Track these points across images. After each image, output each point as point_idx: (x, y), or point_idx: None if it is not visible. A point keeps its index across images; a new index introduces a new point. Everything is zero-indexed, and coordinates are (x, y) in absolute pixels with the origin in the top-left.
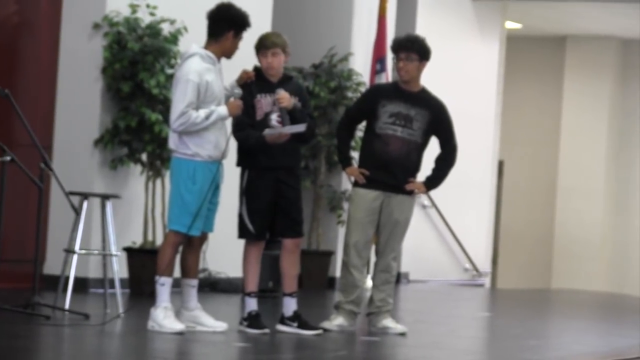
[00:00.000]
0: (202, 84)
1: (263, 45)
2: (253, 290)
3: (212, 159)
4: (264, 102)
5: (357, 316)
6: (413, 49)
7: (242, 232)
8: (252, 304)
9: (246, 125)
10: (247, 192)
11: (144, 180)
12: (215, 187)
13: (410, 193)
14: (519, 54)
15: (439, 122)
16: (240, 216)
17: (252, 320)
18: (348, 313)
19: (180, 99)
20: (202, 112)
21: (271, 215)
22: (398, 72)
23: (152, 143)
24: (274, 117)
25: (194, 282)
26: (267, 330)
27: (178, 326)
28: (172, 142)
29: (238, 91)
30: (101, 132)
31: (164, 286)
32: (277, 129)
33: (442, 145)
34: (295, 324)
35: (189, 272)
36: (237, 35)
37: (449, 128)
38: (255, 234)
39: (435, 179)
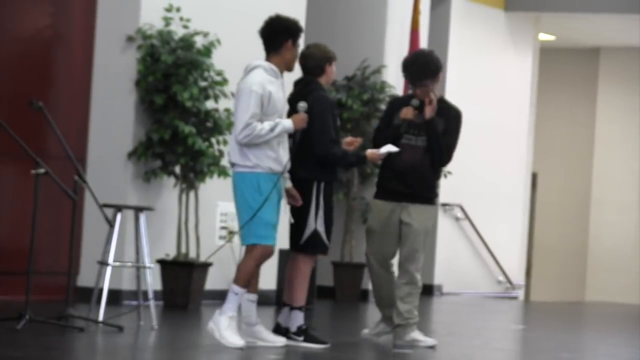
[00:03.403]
0: (265, 95)
1: (333, 57)
2: (304, 304)
3: (273, 172)
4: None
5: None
6: (425, 77)
7: (318, 247)
8: (300, 318)
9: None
10: (326, 207)
11: (177, 192)
12: (278, 200)
13: (429, 203)
14: (552, 65)
15: (449, 128)
16: (316, 231)
17: (306, 334)
18: (388, 318)
19: (244, 110)
20: (267, 124)
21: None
22: (415, 94)
23: (185, 155)
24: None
25: (254, 296)
26: (328, 345)
27: (239, 342)
28: (233, 156)
29: (303, 104)
30: (135, 144)
31: (237, 296)
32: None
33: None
34: (301, 338)
35: (249, 286)
36: (295, 43)
37: (454, 134)
38: (328, 248)
39: (434, 133)
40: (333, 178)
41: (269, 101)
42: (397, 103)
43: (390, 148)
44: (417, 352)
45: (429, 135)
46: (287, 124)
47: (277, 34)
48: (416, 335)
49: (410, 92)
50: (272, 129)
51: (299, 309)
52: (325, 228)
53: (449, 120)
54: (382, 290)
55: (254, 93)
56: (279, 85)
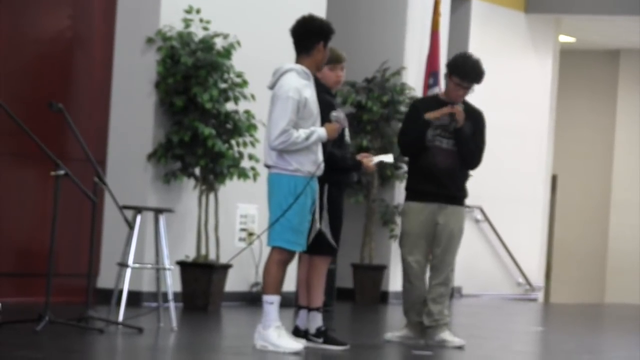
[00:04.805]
0: (302, 101)
1: (336, 59)
2: (321, 305)
3: (311, 175)
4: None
5: (423, 327)
6: (477, 81)
7: (324, 247)
8: (319, 319)
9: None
10: (330, 208)
11: (197, 194)
12: (312, 203)
13: (461, 204)
14: (572, 67)
15: (477, 130)
16: (320, 232)
17: (325, 335)
18: (414, 325)
19: (281, 116)
20: (303, 133)
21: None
22: (450, 93)
23: (205, 157)
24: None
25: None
26: (348, 346)
27: (298, 345)
28: (270, 158)
29: (336, 114)
30: (154, 146)
31: (272, 305)
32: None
33: None
34: (321, 340)
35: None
36: (326, 45)
37: (482, 136)
38: (337, 249)
39: (466, 137)
40: (339, 180)
41: (305, 106)
42: (423, 105)
43: (384, 158)
44: (438, 353)
45: (460, 140)
46: (322, 133)
47: (311, 35)
48: (445, 335)
49: (436, 92)
50: (307, 138)
51: (317, 309)
52: (332, 229)
53: (476, 123)
54: (416, 295)
55: (291, 99)
56: (312, 87)
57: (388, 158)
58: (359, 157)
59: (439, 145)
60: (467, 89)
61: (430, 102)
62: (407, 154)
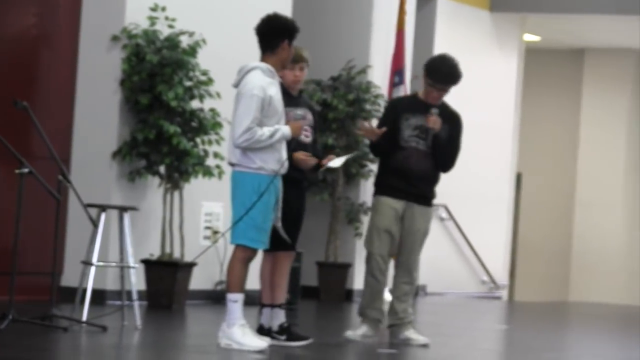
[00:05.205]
0: (266, 99)
1: (294, 59)
2: (284, 302)
3: (275, 173)
4: (292, 115)
5: (381, 325)
6: (452, 83)
7: (281, 244)
8: (282, 316)
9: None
10: (287, 206)
11: (162, 192)
12: (276, 201)
13: (430, 205)
14: (537, 66)
15: (454, 134)
16: (275, 228)
17: (289, 332)
18: (373, 321)
19: (246, 114)
20: (267, 131)
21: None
22: (427, 96)
23: (170, 155)
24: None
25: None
26: (312, 340)
27: (262, 343)
28: (234, 156)
29: (301, 112)
30: (119, 144)
31: (236, 303)
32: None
33: None
34: (283, 337)
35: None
36: (291, 43)
37: (457, 140)
38: (292, 244)
39: (442, 144)
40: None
41: (270, 104)
42: (400, 105)
43: (336, 162)
44: (404, 352)
45: (436, 145)
46: (286, 131)
47: (276, 33)
48: (410, 333)
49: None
50: (271, 135)
51: (279, 306)
52: (290, 226)
53: (453, 127)
54: (378, 290)
55: (256, 97)
56: (277, 85)
57: (335, 163)
58: (324, 161)
59: (415, 147)
60: (441, 91)
61: (408, 101)
62: (378, 156)
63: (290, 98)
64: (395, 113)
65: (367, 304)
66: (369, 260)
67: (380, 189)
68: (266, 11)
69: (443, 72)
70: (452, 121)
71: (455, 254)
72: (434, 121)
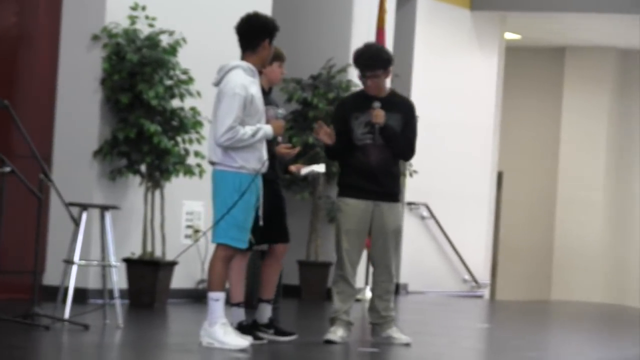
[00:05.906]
0: (248, 97)
1: (279, 57)
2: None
3: (256, 172)
4: (271, 113)
5: (352, 327)
6: (377, 66)
7: (284, 236)
8: (269, 311)
9: None
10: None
11: (143, 191)
12: (257, 200)
13: (397, 200)
14: (518, 65)
15: (407, 121)
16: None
17: (275, 327)
18: (346, 324)
19: (228, 113)
20: (249, 129)
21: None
22: (366, 88)
23: (150, 154)
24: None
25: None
26: (296, 336)
27: (244, 342)
28: (215, 155)
29: (282, 111)
30: (100, 143)
31: (218, 301)
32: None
33: None
34: (272, 331)
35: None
36: (271, 42)
37: (413, 128)
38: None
39: (393, 134)
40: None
41: (251, 103)
42: (348, 104)
43: (315, 167)
44: (385, 350)
45: (387, 137)
46: (268, 130)
47: (256, 32)
48: (392, 332)
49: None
50: (253, 134)
51: (268, 301)
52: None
53: (406, 114)
54: (350, 294)
55: (238, 96)
56: (258, 84)
57: (320, 168)
58: (282, 147)
59: (370, 143)
60: (373, 77)
61: (356, 98)
62: (334, 159)
63: (265, 95)
64: (344, 113)
65: (339, 307)
66: (339, 263)
67: (344, 190)
68: (246, 10)
69: (365, 56)
70: (403, 108)
71: (436, 253)
72: (377, 115)
